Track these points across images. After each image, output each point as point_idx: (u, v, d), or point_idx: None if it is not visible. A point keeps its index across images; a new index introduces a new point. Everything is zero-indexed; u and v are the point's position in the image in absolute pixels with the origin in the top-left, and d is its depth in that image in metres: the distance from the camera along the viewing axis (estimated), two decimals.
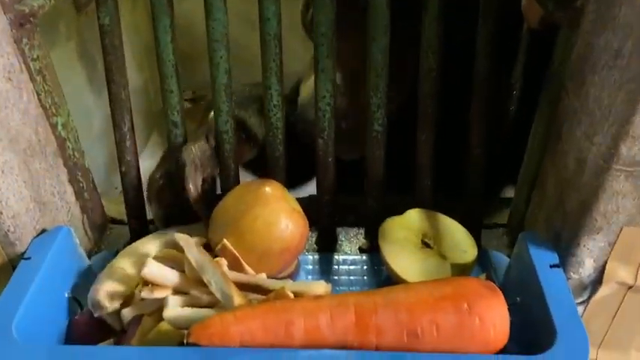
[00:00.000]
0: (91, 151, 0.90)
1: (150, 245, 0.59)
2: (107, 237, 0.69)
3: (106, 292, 0.52)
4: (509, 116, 0.74)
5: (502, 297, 0.44)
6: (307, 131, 0.63)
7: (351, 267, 0.63)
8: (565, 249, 0.50)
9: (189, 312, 0.48)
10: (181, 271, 0.52)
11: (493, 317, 0.43)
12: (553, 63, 0.55)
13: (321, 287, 0.49)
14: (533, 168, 0.59)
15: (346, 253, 0.65)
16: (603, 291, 0.51)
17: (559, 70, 0.53)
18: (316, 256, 0.64)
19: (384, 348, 0.44)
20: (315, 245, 0.66)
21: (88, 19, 0.96)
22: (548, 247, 0.51)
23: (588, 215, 0.47)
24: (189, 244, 0.51)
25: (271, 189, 0.55)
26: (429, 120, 0.59)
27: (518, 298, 0.50)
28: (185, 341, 0.44)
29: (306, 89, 0.65)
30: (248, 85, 0.76)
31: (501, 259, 0.61)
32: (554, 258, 0.50)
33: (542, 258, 0.50)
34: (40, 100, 0.55)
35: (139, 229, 0.67)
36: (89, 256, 0.63)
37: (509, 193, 0.76)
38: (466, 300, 0.43)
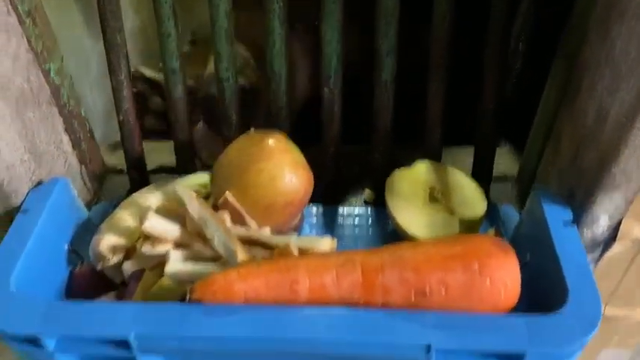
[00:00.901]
0: (90, 96, 0.87)
1: (151, 197, 0.58)
2: (106, 187, 0.67)
3: (107, 243, 0.51)
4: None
5: (514, 257, 0.43)
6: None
7: (356, 220, 0.62)
8: (579, 206, 0.49)
9: (191, 267, 0.47)
10: (183, 223, 0.50)
11: (504, 278, 0.42)
12: (574, 11, 0.51)
13: (326, 243, 0.48)
14: (548, 121, 0.56)
15: (351, 206, 0.63)
16: (616, 248, 0.50)
17: (581, 18, 0.50)
18: (320, 209, 0.62)
19: (391, 307, 0.42)
20: (319, 198, 0.64)
21: None
22: (562, 203, 0.49)
23: (607, 172, 0.45)
24: (190, 197, 0.49)
25: (275, 141, 0.53)
26: (441, 69, 0.56)
27: (528, 256, 0.49)
28: (188, 298, 0.43)
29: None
30: None
31: (511, 213, 0.60)
32: (568, 215, 0.48)
33: (555, 215, 0.48)
34: (30, 44, 0.52)
35: (139, 178, 0.65)
36: (88, 207, 0.61)
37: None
38: (477, 259, 0.42)
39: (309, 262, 0.44)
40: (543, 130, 0.58)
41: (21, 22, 0.51)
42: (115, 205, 0.59)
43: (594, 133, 0.46)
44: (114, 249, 0.51)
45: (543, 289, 0.46)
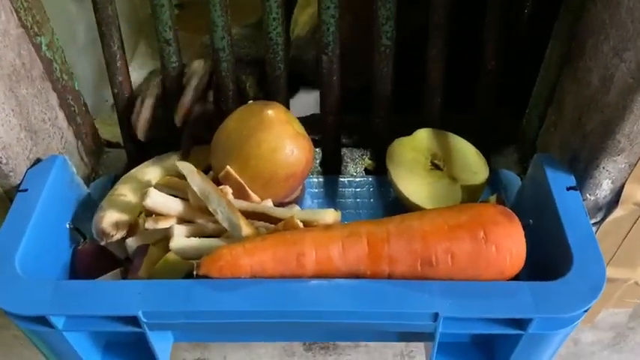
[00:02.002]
0: (76, 64, 0.84)
1: (150, 172, 0.57)
2: (104, 161, 0.66)
3: (110, 220, 0.51)
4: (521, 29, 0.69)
5: (519, 224, 0.43)
6: (305, 72, 0.57)
7: (357, 189, 0.61)
8: (582, 170, 0.49)
9: (196, 242, 0.47)
10: (184, 198, 0.50)
11: (509, 245, 0.42)
12: None
13: (330, 215, 0.48)
14: (550, 84, 0.56)
15: (352, 175, 0.63)
16: (618, 212, 0.50)
17: None
18: (321, 179, 0.62)
19: (397, 277, 0.43)
20: (319, 168, 0.64)
21: None
22: (565, 169, 0.49)
23: (611, 136, 0.45)
24: (192, 172, 0.49)
25: (274, 112, 0.53)
26: (441, 34, 0.55)
27: (530, 221, 0.49)
28: (195, 273, 0.43)
29: (300, 25, 0.58)
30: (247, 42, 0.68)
31: (512, 179, 0.60)
32: (571, 180, 0.48)
33: (558, 180, 0.48)
34: (19, 18, 0.50)
35: (136, 152, 0.65)
36: (87, 182, 0.61)
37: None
38: (482, 228, 0.42)
39: (315, 235, 0.44)
40: (545, 93, 0.57)
41: None
42: (113, 180, 0.59)
43: (598, 97, 0.46)
44: (116, 225, 0.51)
45: (547, 254, 0.47)
